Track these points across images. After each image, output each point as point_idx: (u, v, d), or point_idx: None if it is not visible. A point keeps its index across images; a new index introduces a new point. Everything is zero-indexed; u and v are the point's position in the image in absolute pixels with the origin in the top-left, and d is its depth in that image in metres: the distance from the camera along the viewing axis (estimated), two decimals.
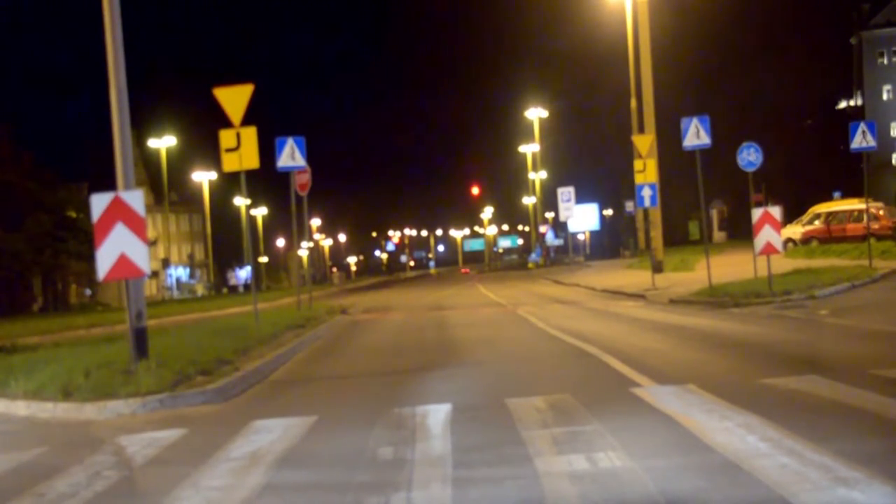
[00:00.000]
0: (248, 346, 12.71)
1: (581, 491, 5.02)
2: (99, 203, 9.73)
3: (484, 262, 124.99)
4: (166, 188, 68.37)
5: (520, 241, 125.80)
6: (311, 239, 65.16)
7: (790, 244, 32.59)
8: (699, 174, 19.42)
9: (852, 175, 58.95)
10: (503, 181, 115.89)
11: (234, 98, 15.38)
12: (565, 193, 44.01)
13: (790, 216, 36.69)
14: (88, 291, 67.21)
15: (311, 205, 25.72)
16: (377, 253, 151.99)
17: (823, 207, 36.52)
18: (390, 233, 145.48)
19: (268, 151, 17.64)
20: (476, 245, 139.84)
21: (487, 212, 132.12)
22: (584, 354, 11.28)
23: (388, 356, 13.19)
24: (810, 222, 34.80)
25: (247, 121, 15.47)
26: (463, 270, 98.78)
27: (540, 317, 17.85)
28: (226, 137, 15.46)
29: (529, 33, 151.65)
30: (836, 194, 54.34)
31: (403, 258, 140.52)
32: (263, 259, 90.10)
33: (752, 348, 10.84)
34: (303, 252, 41.98)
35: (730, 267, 23.91)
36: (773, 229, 17.28)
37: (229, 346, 12.14)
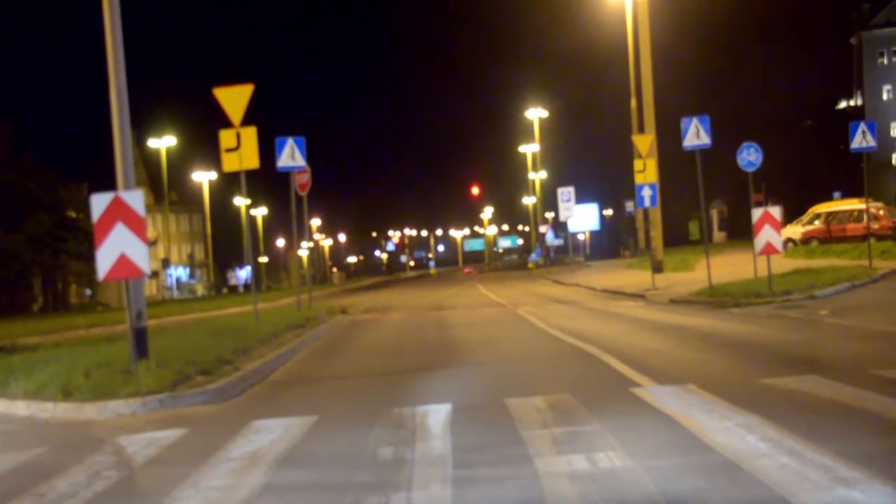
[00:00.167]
0: (248, 346, 12.71)
1: (581, 491, 5.02)
2: (99, 203, 9.73)
3: (484, 262, 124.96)
4: (166, 188, 68.38)
5: (520, 241, 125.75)
6: (311, 239, 65.12)
7: (790, 244, 32.59)
8: (699, 174, 19.42)
9: (852, 175, 59.00)
10: (503, 181, 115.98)
11: (234, 98, 15.39)
12: (565, 193, 44.02)
13: (790, 216, 36.68)
14: (88, 291, 67.18)
15: (311, 205, 25.75)
16: (377, 253, 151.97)
17: (823, 207, 36.51)
18: (390, 233, 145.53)
19: (268, 151, 17.66)
20: (476, 245, 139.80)
21: (487, 212, 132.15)
22: (584, 354, 11.28)
23: (388, 356, 13.19)
24: (810, 222, 34.79)
25: (247, 121, 15.48)
26: (466, 270, 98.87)
27: (540, 317, 17.85)
28: (226, 137, 15.47)
29: (529, 33, 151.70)
30: (836, 194, 54.34)
31: (403, 258, 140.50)
32: (263, 259, 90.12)
33: (752, 348, 10.84)
34: (303, 252, 41.94)
35: (730, 267, 23.91)
36: (773, 229, 17.28)
37: (229, 346, 12.14)
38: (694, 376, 8.66)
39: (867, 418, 6.43)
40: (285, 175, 21.23)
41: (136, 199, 9.86)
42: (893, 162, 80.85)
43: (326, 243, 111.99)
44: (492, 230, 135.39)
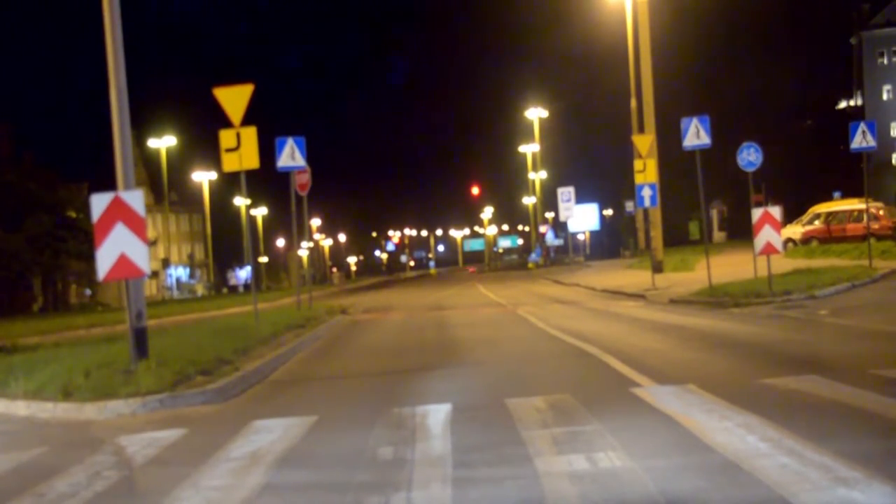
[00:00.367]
0: (248, 346, 12.71)
1: (581, 491, 5.02)
2: (99, 203, 9.73)
3: (484, 262, 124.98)
4: (166, 188, 68.38)
5: (520, 241, 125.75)
6: (311, 239, 65.17)
7: (790, 244, 32.59)
8: (699, 174, 19.43)
9: (852, 175, 58.89)
10: (503, 181, 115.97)
11: (234, 98, 15.39)
12: (565, 193, 44.01)
13: (790, 216, 36.68)
14: (88, 291, 67.19)
15: (311, 205, 25.75)
16: (377, 253, 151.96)
17: (823, 207, 36.51)
18: (390, 233, 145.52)
19: (268, 151, 17.65)
20: (476, 245, 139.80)
21: (487, 212, 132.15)
22: (584, 354, 11.28)
23: (388, 356, 13.19)
24: (810, 222, 34.79)
25: (247, 121, 15.48)
26: (470, 269, 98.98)
27: (540, 317, 17.85)
28: (226, 137, 15.47)
29: (530, 33, 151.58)
30: (836, 194, 54.32)
31: (403, 258, 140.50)
32: (263, 259, 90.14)
33: (752, 348, 10.84)
34: (303, 252, 41.98)
35: (730, 267, 23.91)
36: (773, 229, 17.28)
37: (229, 346, 12.14)
38: (694, 376, 8.66)
39: (867, 418, 6.43)
40: (285, 175, 21.23)
41: (136, 199, 9.86)
42: (893, 162, 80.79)
43: (326, 243, 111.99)
44: (492, 230, 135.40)
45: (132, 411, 8.83)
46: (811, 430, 5.98)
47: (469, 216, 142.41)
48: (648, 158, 23.84)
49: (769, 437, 5.89)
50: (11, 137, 60.30)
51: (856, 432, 5.96)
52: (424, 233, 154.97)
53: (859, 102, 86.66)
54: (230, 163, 15.55)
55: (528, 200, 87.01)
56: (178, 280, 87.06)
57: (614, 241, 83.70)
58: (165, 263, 75.05)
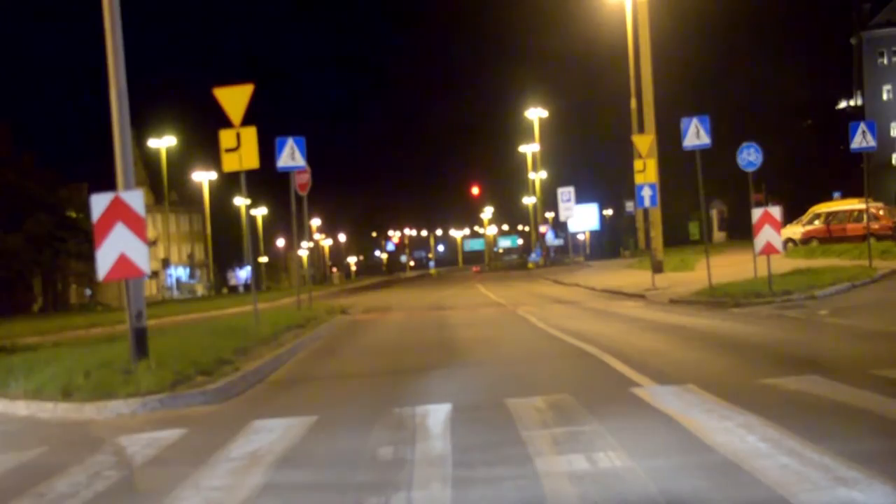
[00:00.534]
0: (248, 346, 12.71)
1: (581, 491, 5.02)
2: (99, 203, 9.73)
3: (484, 262, 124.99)
4: (166, 188, 68.40)
5: (520, 241, 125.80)
6: (311, 239, 65.14)
7: (790, 244, 32.58)
8: (699, 174, 19.42)
9: (852, 175, 58.93)
10: (503, 181, 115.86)
11: (234, 98, 15.37)
12: (565, 193, 44.03)
13: (790, 216, 36.66)
14: (88, 291, 67.22)
15: (311, 205, 25.74)
16: (377, 253, 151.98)
17: (823, 207, 36.50)
18: (390, 233, 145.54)
19: (268, 151, 17.65)
20: (476, 245, 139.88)
21: (487, 212, 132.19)
22: (583, 354, 11.28)
23: (388, 356, 13.19)
24: (810, 222, 34.79)
25: (247, 121, 15.47)
26: (474, 269, 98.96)
27: (540, 317, 17.85)
28: (226, 137, 15.45)
29: (530, 33, 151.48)
30: (836, 194, 54.36)
31: (403, 258, 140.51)
32: (263, 259, 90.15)
33: (752, 348, 10.84)
34: (303, 252, 41.96)
35: (730, 267, 23.90)
36: (773, 229, 17.27)
37: (229, 346, 12.14)
38: (694, 376, 8.66)
39: (867, 418, 6.43)
40: (285, 175, 21.23)
41: (136, 199, 9.86)
42: (893, 162, 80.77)
43: (326, 243, 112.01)
44: (492, 230, 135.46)
45: (132, 411, 8.83)
46: (811, 430, 5.98)
47: (469, 216, 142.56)
48: (648, 158, 23.83)
49: (769, 437, 5.89)
50: (11, 137, 60.27)
51: (856, 432, 5.96)
52: (424, 233, 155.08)
53: (859, 102, 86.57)
54: (230, 163, 15.54)
55: (528, 200, 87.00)
56: (178, 280, 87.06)
57: (614, 241, 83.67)
58: (165, 263, 75.11)
